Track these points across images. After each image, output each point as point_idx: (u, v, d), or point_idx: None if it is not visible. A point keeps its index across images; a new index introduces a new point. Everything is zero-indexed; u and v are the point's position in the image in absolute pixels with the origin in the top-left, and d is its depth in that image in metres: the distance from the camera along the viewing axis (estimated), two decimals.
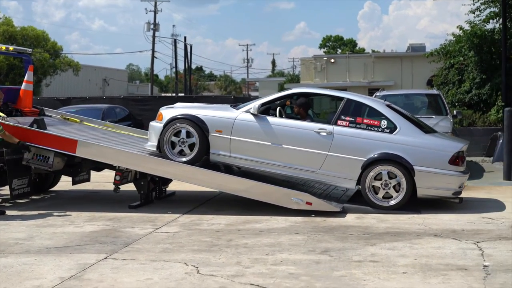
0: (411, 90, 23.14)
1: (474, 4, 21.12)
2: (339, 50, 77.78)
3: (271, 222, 8.27)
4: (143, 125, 19.41)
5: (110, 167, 9.69)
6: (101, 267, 6.13)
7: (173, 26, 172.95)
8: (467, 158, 10.19)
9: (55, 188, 11.41)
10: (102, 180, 11.70)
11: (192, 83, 58.73)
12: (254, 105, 9.19)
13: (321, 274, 5.82)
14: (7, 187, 9.79)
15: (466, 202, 8.99)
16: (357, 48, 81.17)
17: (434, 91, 16.95)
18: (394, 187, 8.79)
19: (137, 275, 5.84)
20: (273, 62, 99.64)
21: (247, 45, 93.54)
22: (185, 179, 9.29)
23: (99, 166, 10.22)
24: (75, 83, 51.43)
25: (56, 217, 8.81)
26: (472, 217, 8.45)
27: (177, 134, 9.19)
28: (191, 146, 9.14)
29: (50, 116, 11.54)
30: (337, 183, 9.26)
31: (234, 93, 78.19)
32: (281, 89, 56.63)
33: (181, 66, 60.12)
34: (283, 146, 9.04)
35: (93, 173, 10.84)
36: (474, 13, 21.21)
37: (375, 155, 8.81)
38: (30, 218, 8.74)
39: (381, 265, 6.08)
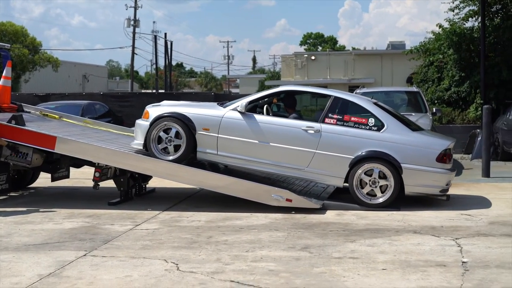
0: (391, 87, 23.27)
1: (453, 2, 21.26)
2: (320, 48, 77.97)
3: (251, 219, 8.27)
4: (123, 122, 19.36)
5: (90, 163, 9.63)
6: (80, 264, 6.09)
7: (154, 22, 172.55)
8: None
9: (34, 184, 11.32)
10: (81, 177, 11.63)
11: (172, 79, 58.63)
12: (241, 103, 9.16)
13: (301, 270, 5.83)
14: None
15: (442, 199, 9.04)
16: (337, 45, 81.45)
17: (414, 88, 17.04)
18: (381, 185, 8.82)
19: (116, 272, 5.82)
20: (254, 59, 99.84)
21: (228, 41, 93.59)
22: (165, 176, 9.26)
23: (79, 163, 10.16)
24: (54, 79, 51.09)
25: (35, 214, 8.74)
26: (451, 214, 8.52)
27: (164, 132, 9.14)
28: (178, 145, 9.11)
29: (29, 112, 11.43)
30: (325, 181, 9.27)
31: (214, 90, 78.24)
32: (262, 85, 56.72)
33: (161, 63, 59.97)
34: (271, 144, 9.03)
35: (72, 170, 10.76)
36: (453, 11, 21.34)
37: (363, 153, 8.83)
38: (9, 215, 8.66)
39: (361, 262, 6.11)
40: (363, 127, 8.96)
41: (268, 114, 9.34)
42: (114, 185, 9.64)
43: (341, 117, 9.04)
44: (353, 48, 61.27)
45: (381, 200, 8.84)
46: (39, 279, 5.59)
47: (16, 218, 8.42)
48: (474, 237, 7.14)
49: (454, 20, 21.46)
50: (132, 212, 8.79)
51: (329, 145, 8.92)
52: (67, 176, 10.67)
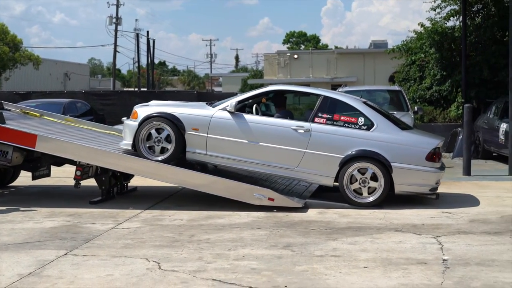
0: (373, 86, 23.33)
1: (435, 2, 21.38)
2: (303, 46, 78.12)
3: (234, 218, 8.26)
4: (104, 120, 19.29)
5: (71, 162, 9.57)
6: (61, 264, 6.05)
7: (136, 20, 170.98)
8: None
9: (15, 183, 11.23)
10: (62, 175, 11.56)
11: (155, 78, 58.48)
12: (230, 102, 9.13)
13: (283, 269, 5.83)
14: None
15: (426, 197, 9.10)
16: (320, 44, 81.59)
17: (396, 87, 17.13)
18: (370, 184, 8.83)
19: (97, 271, 5.78)
20: (237, 58, 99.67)
21: (211, 40, 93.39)
22: (147, 175, 9.22)
23: (60, 161, 10.08)
24: (35, 77, 50.68)
25: (15, 213, 8.67)
26: (432, 212, 8.56)
27: (153, 132, 9.09)
28: (167, 145, 9.06)
29: (9, 110, 11.33)
30: (315, 181, 9.26)
31: (197, 88, 78.02)
32: (245, 84, 56.78)
33: (144, 61, 59.64)
34: (261, 144, 9.01)
35: (53, 168, 10.68)
36: (435, 10, 21.45)
37: (353, 152, 8.84)
38: None
39: (343, 260, 6.12)
40: (353, 126, 8.97)
41: (257, 113, 9.33)
42: (96, 184, 9.59)
43: (330, 116, 9.05)
44: (336, 47, 61.40)
45: (371, 199, 8.86)
46: (19, 279, 5.55)
47: None
48: (455, 235, 7.18)
49: (436, 20, 21.59)
50: (113, 211, 8.75)
51: (319, 145, 8.92)
52: (48, 175, 10.60)
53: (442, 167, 9.20)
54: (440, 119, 20.37)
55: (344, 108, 9.29)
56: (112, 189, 9.79)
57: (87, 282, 5.46)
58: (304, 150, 8.94)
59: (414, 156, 8.88)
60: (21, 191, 10.77)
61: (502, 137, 14.13)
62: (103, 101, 26.29)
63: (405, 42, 23.59)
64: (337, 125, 9.00)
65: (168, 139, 9.06)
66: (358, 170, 8.84)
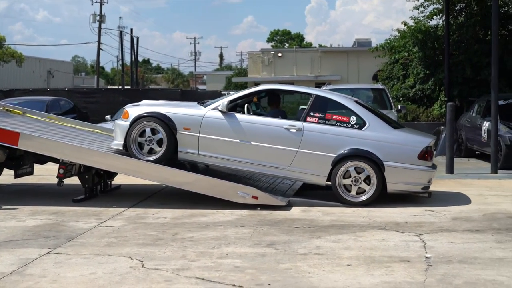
0: (357, 84, 23.40)
1: (418, 1, 21.48)
2: (287, 44, 78.16)
3: (217, 216, 8.26)
4: (88, 118, 19.20)
5: (54, 160, 9.52)
6: (44, 262, 6.02)
7: (120, 18, 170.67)
8: None
9: None
10: (45, 174, 11.49)
11: (138, 75, 58.27)
12: (222, 102, 9.09)
13: (266, 267, 5.84)
14: None
15: (409, 195, 9.14)
16: (304, 42, 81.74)
17: (379, 85, 17.21)
18: (363, 183, 8.85)
19: (80, 269, 5.76)
20: (221, 56, 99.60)
21: (195, 38, 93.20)
22: (130, 173, 9.19)
23: (43, 159, 10.02)
24: (18, 75, 50.30)
25: None
26: (415, 210, 8.61)
27: (144, 132, 9.04)
28: (159, 144, 9.01)
29: None
30: (307, 180, 9.21)
31: (181, 86, 77.88)
32: (229, 82, 56.70)
33: (127, 59, 59.44)
34: (253, 143, 8.99)
35: (36, 166, 10.62)
36: (418, 9, 21.56)
37: (345, 151, 8.85)
38: None
39: (326, 258, 6.14)
40: (345, 125, 8.98)
41: (248, 113, 9.32)
42: (79, 182, 9.55)
43: (322, 115, 9.05)
44: (320, 45, 61.58)
45: (363, 198, 8.87)
46: (1, 277, 5.51)
47: None
48: (438, 233, 7.23)
49: (419, 18, 21.70)
50: (97, 209, 8.71)
51: (311, 144, 8.91)
52: (31, 173, 10.53)
53: (434, 166, 9.24)
54: (423, 117, 20.48)
55: (336, 107, 9.29)
56: (96, 187, 9.75)
57: (70, 281, 5.43)
58: (297, 150, 8.93)
59: (407, 155, 8.90)
60: (3, 189, 10.70)
61: (484, 135, 14.23)
62: (86, 99, 26.19)
63: (388, 41, 23.70)
64: (329, 124, 9.00)
65: (159, 139, 9.01)
66: (353, 169, 8.83)
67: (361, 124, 8.98)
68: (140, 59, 65.25)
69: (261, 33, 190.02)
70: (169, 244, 6.71)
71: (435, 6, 21.31)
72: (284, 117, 9.40)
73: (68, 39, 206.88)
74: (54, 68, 60.48)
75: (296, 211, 8.56)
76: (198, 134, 9.02)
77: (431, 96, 21.04)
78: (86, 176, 9.45)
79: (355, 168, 8.86)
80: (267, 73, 44.19)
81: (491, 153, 12.81)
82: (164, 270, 5.74)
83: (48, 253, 6.37)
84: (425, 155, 8.93)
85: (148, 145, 9.04)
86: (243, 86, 49.99)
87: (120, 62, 59.38)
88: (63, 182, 9.29)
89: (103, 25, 55.28)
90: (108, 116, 17.51)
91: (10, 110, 11.40)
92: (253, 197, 8.68)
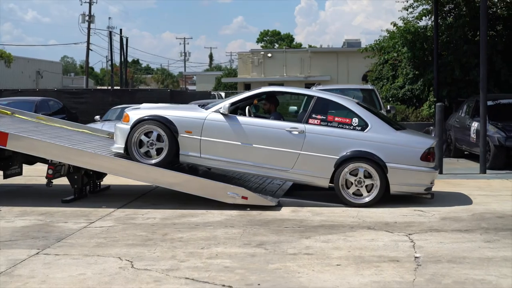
0: (347, 85, 23.47)
1: (407, 1, 21.57)
2: (276, 45, 78.27)
3: (207, 216, 8.25)
4: (77, 118, 19.13)
5: (43, 160, 9.48)
6: (33, 263, 5.99)
7: (109, 18, 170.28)
8: None
9: None
10: (34, 174, 11.44)
11: (128, 76, 58.11)
12: (224, 104, 9.06)
13: (256, 267, 5.84)
14: None
15: (398, 195, 9.16)
16: (294, 43, 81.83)
17: (369, 86, 17.25)
18: (367, 185, 8.84)
19: (69, 270, 5.74)
20: (211, 56, 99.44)
21: (184, 38, 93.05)
22: (120, 173, 9.17)
23: (32, 160, 9.99)
24: (7, 75, 50.09)
25: None
26: (405, 210, 8.63)
27: (146, 135, 8.99)
28: (160, 148, 8.98)
29: None
30: (310, 182, 9.14)
31: (171, 86, 77.76)
32: (219, 83, 56.65)
33: (117, 59, 59.24)
34: (255, 146, 8.96)
35: (25, 167, 10.57)
36: (407, 10, 21.66)
37: (348, 153, 8.82)
38: None
39: (316, 258, 6.15)
40: (347, 127, 8.97)
41: (250, 115, 9.30)
42: (68, 183, 9.51)
43: (324, 117, 9.03)
44: (310, 46, 61.61)
45: (367, 199, 8.86)
46: None
47: None
48: (427, 233, 7.25)
49: (408, 19, 21.80)
50: (86, 209, 8.69)
51: (314, 146, 8.89)
52: (20, 173, 10.49)
53: (437, 167, 9.24)
54: (413, 118, 20.55)
55: (338, 109, 9.28)
56: (85, 188, 9.72)
57: (59, 282, 5.41)
58: (299, 152, 8.91)
59: (409, 156, 8.89)
60: None
61: (473, 135, 14.30)
62: (76, 99, 26.11)
63: (378, 42, 23.78)
64: (331, 126, 8.98)
65: (160, 140, 8.97)
66: (352, 172, 8.82)
67: (363, 125, 8.96)
68: (129, 59, 65.17)
69: (251, 33, 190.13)
70: (159, 245, 6.69)
71: (424, 7, 21.42)
72: (282, 119, 9.40)
73: (57, 39, 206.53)
74: (43, 68, 60.24)
75: (286, 211, 8.56)
76: (199, 137, 8.98)
77: (420, 96, 21.13)
78: (75, 177, 9.42)
79: (357, 170, 8.85)
80: (257, 73, 44.20)
81: (480, 153, 12.87)
82: (154, 270, 5.73)
83: (37, 253, 6.34)
84: (428, 156, 8.93)
85: (149, 148, 9.00)
86: (233, 86, 50.02)
87: (109, 63, 59.27)
88: (52, 182, 9.26)
89: (92, 26, 55.39)
90: (97, 117, 17.46)
91: None
92: (243, 197, 8.68)
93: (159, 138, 8.98)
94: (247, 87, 43.96)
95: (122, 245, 6.68)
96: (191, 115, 9.16)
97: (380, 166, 8.79)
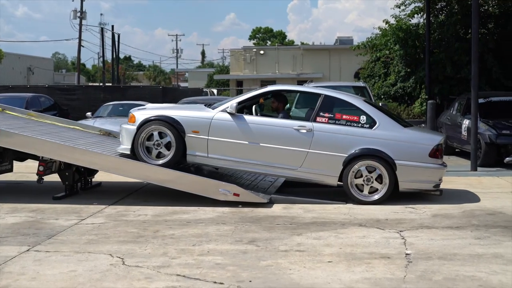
0: (339, 82, 23.49)
1: None
2: (269, 42, 78.29)
3: (199, 213, 8.24)
4: (68, 115, 19.07)
5: (34, 157, 9.45)
6: (23, 260, 5.98)
7: (101, 14, 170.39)
8: None
9: None
10: (25, 171, 11.41)
11: (120, 72, 58.00)
12: (231, 104, 9.02)
13: (247, 264, 5.84)
14: None
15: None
16: (286, 40, 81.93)
17: (361, 83, 17.27)
18: (376, 180, 8.82)
19: (60, 267, 5.73)
20: (203, 53, 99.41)
21: (177, 35, 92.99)
22: (111, 170, 9.14)
23: (22, 156, 9.96)
24: None
25: None
26: (396, 207, 8.65)
27: (152, 136, 8.96)
28: (167, 148, 8.93)
29: None
30: (318, 181, 9.10)
31: (163, 83, 77.66)
32: (211, 79, 56.62)
33: (109, 56, 59.15)
34: (263, 145, 8.93)
35: (16, 164, 10.53)
36: (399, 7, 21.70)
37: (356, 151, 8.81)
38: None
39: (307, 254, 6.16)
40: (355, 124, 8.95)
41: (256, 114, 9.28)
42: (59, 179, 9.48)
43: (332, 115, 9.01)
44: (302, 43, 61.67)
45: (376, 197, 8.85)
46: None
47: None
48: (418, 230, 7.27)
49: (400, 17, 21.84)
50: (77, 206, 8.66)
51: (322, 144, 8.87)
52: (11, 170, 10.44)
53: (445, 164, 9.25)
54: (404, 115, 20.60)
55: (345, 106, 9.26)
56: (76, 185, 9.70)
57: (50, 278, 5.40)
58: (307, 150, 8.89)
59: (418, 153, 8.89)
60: None
61: (464, 133, 14.33)
62: (67, 96, 26.04)
63: (370, 39, 23.81)
64: (339, 124, 8.95)
65: (167, 142, 8.94)
66: (364, 168, 8.81)
67: (371, 123, 8.95)
68: (121, 56, 65.03)
69: (243, 30, 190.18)
70: (150, 242, 6.69)
71: (416, 4, 21.46)
72: (288, 117, 9.38)
73: (48, 35, 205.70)
74: (34, 64, 60.07)
75: (277, 208, 8.57)
76: (207, 137, 8.95)
77: (412, 94, 21.18)
78: (67, 173, 9.39)
79: (366, 168, 8.83)
80: (249, 70, 44.20)
81: (471, 151, 12.90)
82: (145, 267, 5.72)
83: (27, 250, 6.32)
84: (436, 152, 8.93)
85: (156, 149, 8.96)
86: (225, 83, 50.00)
87: (101, 59, 59.11)
88: (43, 179, 9.23)
89: (84, 22, 54.96)
90: (89, 113, 17.42)
91: None
92: (234, 194, 8.67)
93: (165, 138, 8.94)
94: (239, 84, 43.99)
95: (114, 242, 6.66)
96: (198, 115, 9.13)
97: (389, 164, 8.78)
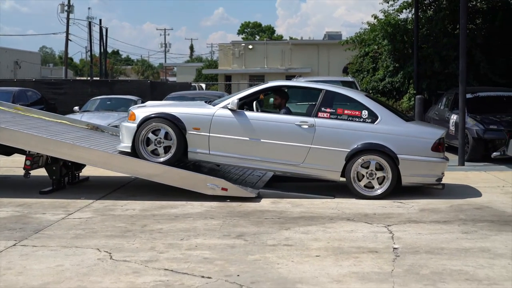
0: (327, 77, 23.52)
1: None
2: (257, 37, 78.25)
3: (187, 207, 8.23)
4: (56, 109, 18.99)
5: (21, 151, 9.39)
6: (10, 254, 5.94)
7: (89, 8, 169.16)
8: None
9: None
10: (12, 165, 11.35)
11: (108, 67, 57.78)
12: (232, 100, 8.98)
13: (235, 258, 5.84)
14: None
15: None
16: (275, 35, 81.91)
17: (349, 78, 17.32)
18: (378, 177, 8.83)
19: (47, 261, 5.70)
20: (191, 47, 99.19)
21: (165, 29, 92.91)
22: (99, 165, 9.10)
23: (9, 151, 9.89)
24: None
25: None
26: (384, 201, 8.66)
27: (153, 133, 8.92)
28: (168, 146, 8.91)
29: None
30: (321, 176, 9.10)
31: (151, 78, 77.45)
32: (199, 74, 56.49)
33: (96, 50, 58.89)
34: (265, 141, 8.90)
35: (2, 158, 10.48)
36: (388, 2, 21.74)
37: (359, 146, 8.80)
38: None
39: (295, 249, 6.16)
40: (357, 119, 8.94)
41: (257, 110, 9.25)
42: (46, 174, 9.43)
43: (334, 110, 9.00)
44: (291, 38, 61.66)
45: (379, 192, 8.85)
46: None
47: None
48: (405, 224, 7.29)
49: (389, 12, 21.87)
50: (64, 201, 8.62)
51: (324, 139, 8.85)
52: None
53: (447, 158, 9.26)
54: None
55: (347, 101, 9.25)
56: (63, 179, 9.65)
57: (37, 273, 5.37)
58: (309, 146, 8.87)
59: (420, 147, 8.90)
60: None
61: (452, 128, 14.38)
62: (54, 90, 25.89)
63: (358, 34, 23.86)
64: (341, 119, 8.94)
65: (168, 137, 8.91)
66: (363, 164, 8.81)
67: (373, 117, 8.94)
68: (109, 50, 64.78)
69: (232, 25, 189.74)
70: (138, 236, 6.67)
71: None
72: (290, 112, 9.36)
73: (35, 29, 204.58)
74: (21, 58, 59.64)
75: (265, 203, 8.57)
76: (208, 134, 8.92)
77: (400, 89, 21.23)
78: (54, 168, 9.35)
79: (369, 162, 8.85)
80: (237, 65, 44.15)
81: (458, 146, 12.95)
82: (133, 262, 5.70)
83: (14, 245, 6.29)
84: (439, 146, 8.95)
85: (157, 146, 8.94)
86: (214, 78, 49.90)
87: (89, 53, 58.84)
88: (30, 173, 9.18)
89: (71, 16, 54.73)
90: (76, 108, 17.34)
91: None
92: (222, 188, 8.66)
93: (166, 135, 8.91)
94: (228, 78, 43.93)
95: (101, 237, 6.64)
96: (198, 112, 9.09)
97: (392, 158, 8.78)
